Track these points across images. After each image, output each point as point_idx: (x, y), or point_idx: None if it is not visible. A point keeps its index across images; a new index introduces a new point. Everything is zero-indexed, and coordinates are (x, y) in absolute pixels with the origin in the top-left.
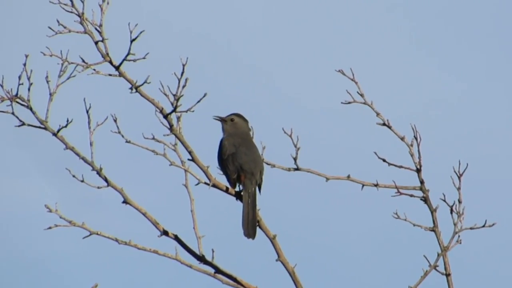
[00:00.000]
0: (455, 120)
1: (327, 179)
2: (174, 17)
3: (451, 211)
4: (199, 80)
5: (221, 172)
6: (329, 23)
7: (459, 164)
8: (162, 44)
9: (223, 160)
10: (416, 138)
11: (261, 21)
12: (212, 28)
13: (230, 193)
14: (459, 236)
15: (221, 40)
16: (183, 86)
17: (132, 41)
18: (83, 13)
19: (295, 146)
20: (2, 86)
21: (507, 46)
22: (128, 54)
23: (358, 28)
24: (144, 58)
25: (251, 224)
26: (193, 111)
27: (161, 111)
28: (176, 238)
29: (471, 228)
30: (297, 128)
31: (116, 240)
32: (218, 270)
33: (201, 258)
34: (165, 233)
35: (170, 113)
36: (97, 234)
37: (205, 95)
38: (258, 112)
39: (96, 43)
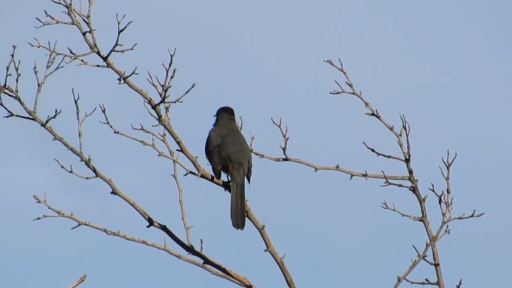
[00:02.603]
0: (444, 110)
1: (316, 169)
2: (162, 7)
3: (440, 201)
4: (188, 69)
5: (209, 163)
6: (318, 13)
7: (448, 154)
8: (150, 34)
9: (209, 151)
10: (405, 128)
11: (249, 12)
12: (201, 18)
13: (216, 183)
14: (447, 226)
15: (210, 31)
16: (172, 77)
17: (120, 32)
18: (71, 4)
19: (284, 136)
20: None
21: (492, 33)
22: (116, 45)
23: (348, 18)
24: (132, 49)
25: (239, 215)
26: (181, 102)
27: (150, 102)
28: (165, 228)
29: (459, 218)
30: (286, 118)
31: (105, 231)
32: (206, 261)
33: (189, 249)
34: (153, 223)
35: (159, 104)
36: (86, 224)
37: (193, 85)
38: (247, 102)
39: (84, 34)
